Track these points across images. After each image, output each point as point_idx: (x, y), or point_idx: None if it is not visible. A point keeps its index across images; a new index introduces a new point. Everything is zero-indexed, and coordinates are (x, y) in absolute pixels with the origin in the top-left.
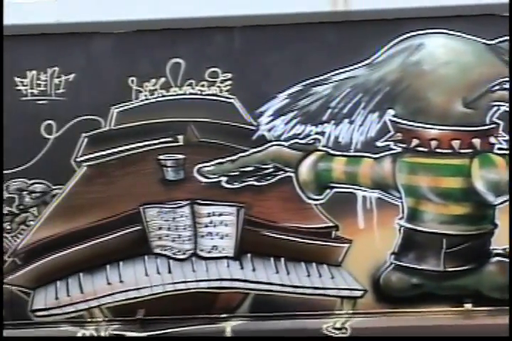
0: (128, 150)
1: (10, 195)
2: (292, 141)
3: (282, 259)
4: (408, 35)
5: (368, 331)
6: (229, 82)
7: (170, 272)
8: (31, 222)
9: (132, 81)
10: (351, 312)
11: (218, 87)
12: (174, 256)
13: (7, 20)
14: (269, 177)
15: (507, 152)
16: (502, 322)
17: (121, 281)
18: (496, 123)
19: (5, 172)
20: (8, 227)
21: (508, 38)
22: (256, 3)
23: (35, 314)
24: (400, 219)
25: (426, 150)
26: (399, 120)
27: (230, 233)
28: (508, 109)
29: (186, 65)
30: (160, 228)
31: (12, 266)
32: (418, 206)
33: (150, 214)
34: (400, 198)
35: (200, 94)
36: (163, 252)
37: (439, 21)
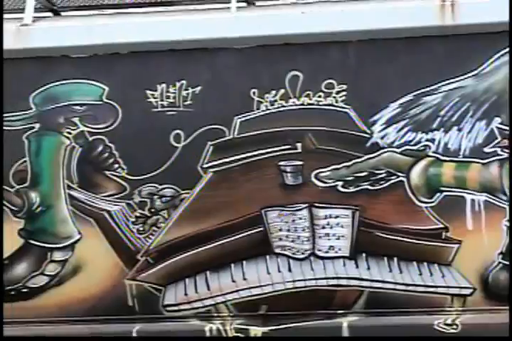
0: (250, 157)
1: (142, 199)
2: (404, 148)
3: (395, 259)
4: None
5: (477, 327)
6: (344, 93)
7: (290, 271)
8: (162, 224)
9: (254, 92)
10: (461, 309)
11: (334, 97)
12: (294, 255)
13: (147, 38)
14: (382, 182)
15: None
16: None
17: (244, 279)
18: None
19: (137, 178)
20: (141, 229)
21: None
22: (368, 19)
23: (166, 309)
24: (508, 220)
25: None
26: (506, 127)
27: (345, 234)
28: None
29: (304, 77)
30: (280, 229)
31: (144, 264)
32: None
33: (271, 216)
34: (507, 201)
35: (317, 105)
36: (284, 252)
37: None
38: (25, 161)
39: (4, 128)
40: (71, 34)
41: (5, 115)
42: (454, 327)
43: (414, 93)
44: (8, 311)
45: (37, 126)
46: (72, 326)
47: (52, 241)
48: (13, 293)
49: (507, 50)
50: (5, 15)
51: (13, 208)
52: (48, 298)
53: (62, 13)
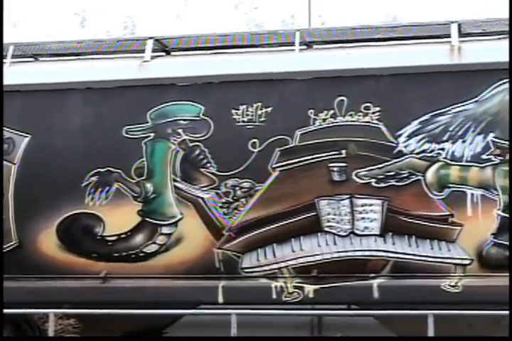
0: (307, 160)
1: (227, 190)
2: (421, 154)
3: (414, 236)
4: (505, 80)
5: (474, 288)
6: (378, 113)
7: (335, 244)
8: (241, 208)
9: (311, 112)
10: (462, 274)
11: (370, 116)
12: (338, 233)
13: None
14: (405, 180)
15: None
16: None
17: (301, 250)
18: None
19: (224, 174)
20: (226, 211)
21: None
22: (393, 59)
23: (244, 271)
24: (498, 209)
25: None
26: (498, 140)
27: (377, 218)
28: None
29: (347, 101)
30: (328, 214)
31: (228, 237)
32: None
33: (322, 204)
34: (498, 195)
35: (357, 122)
36: (331, 230)
37: None
38: (143, 161)
39: (129, 136)
40: (178, 68)
41: (130, 127)
42: (456, 287)
43: (430, 114)
44: (131, 269)
45: (152, 135)
46: (174, 281)
47: (162, 219)
48: (133, 256)
49: (500, 82)
50: (129, 54)
51: (134, 195)
52: (158, 260)
53: (172, 53)
